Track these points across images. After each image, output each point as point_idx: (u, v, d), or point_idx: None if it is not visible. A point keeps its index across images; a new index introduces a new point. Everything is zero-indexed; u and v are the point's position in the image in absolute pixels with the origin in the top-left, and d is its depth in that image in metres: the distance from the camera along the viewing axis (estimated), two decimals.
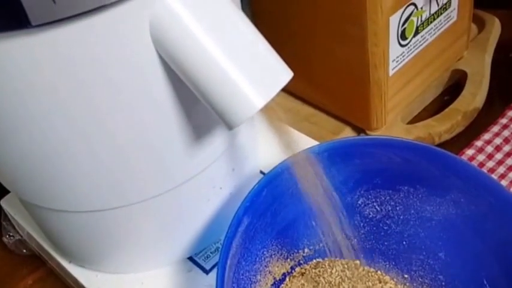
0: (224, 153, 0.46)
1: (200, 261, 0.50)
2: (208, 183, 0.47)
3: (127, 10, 0.33)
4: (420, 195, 0.47)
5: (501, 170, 0.60)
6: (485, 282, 0.44)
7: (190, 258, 0.51)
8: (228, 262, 0.39)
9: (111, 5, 0.32)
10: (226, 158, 0.47)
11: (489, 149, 0.62)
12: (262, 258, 0.46)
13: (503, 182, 0.59)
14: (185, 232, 0.49)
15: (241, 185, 0.50)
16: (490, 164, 0.61)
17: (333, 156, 0.45)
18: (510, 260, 0.42)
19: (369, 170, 0.47)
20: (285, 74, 0.36)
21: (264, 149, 0.54)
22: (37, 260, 0.60)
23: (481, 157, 0.61)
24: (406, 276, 0.49)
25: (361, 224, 0.49)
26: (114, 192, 0.43)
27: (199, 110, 0.41)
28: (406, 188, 0.47)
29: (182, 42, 0.34)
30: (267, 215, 0.44)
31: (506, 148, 0.62)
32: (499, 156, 0.61)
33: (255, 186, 0.42)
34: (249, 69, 0.35)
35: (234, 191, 0.50)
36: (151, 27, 0.34)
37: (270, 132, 0.41)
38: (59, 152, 0.39)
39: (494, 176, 0.59)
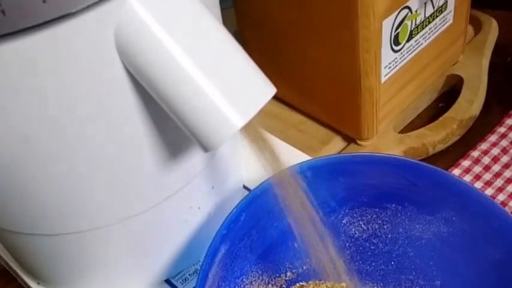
0: (203, 170, 0.43)
1: (177, 284, 0.47)
2: (185, 203, 0.43)
3: (90, 19, 0.30)
4: (409, 213, 0.45)
5: (498, 183, 0.57)
6: None
7: (167, 281, 0.48)
8: None
9: (73, 14, 0.29)
10: (205, 175, 0.44)
11: (486, 160, 0.59)
12: (242, 286, 0.43)
13: (501, 196, 0.56)
14: (161, 254, 0.46)
15: (222, 202, 0.47)
16: (487, 176, 0.57)
17: (316, 175, 0.43)
18: (502, 283, 0.40)
19: (353, 187, 0.45)
20: (267, 90, 0.33)
21: (247, 161, 0.51)
22: (8, 275, 0.56)
23: (477, 169, 0.58)
24: None
25: (347, 244, 0.47)
26: (83, 215, 0.39)
27: (174, 126, 0.37)
28: (393, 205, 0.45)
29: (150, 56, 0.31)
30: (247, 239, 0.42)
31: (504, 159, 0.59)
32: (496, 168, 0.58)
33: (232, 211, 0.40)
34: (227, 85, 0.32)
35: (214, 210, 0.46)
36: (117, 38, 0.31)
37: (253, 149, 0.38)
38: (22, 173, 0.36)
39: (491, 190, 0.56)
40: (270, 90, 0.33)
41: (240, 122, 0.32)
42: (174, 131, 0.37)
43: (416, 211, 0.44)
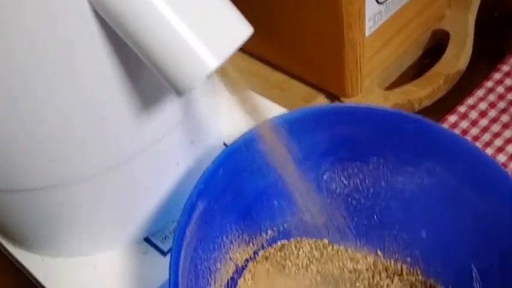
0: (180, 123, 0.41)
1: (157, 242, 0.46)
2: (163, 157, 0.42)
3: None
4: (391, 166, 0.44)
5: (486, 137, 0.56)
6: (467, 256, 0.41)
7: (147, 239, 0.47)
8: (183, 253, 0.35)
9: None
10: (183, 129, 0.42)
11: (473, 114, 0.57)
12: (222, 245, 0.42)
13: (489, 150, 0.55)
14: (139, 211, 0.45)
15: (202, 158, 0.45)
16: (474, 131, 0.56)
17: (293, 128, 0.41)
18: (489, 233, 0.40)
19: (333, 141, 0.43)
20: (243, 30, 0.32)
21: (227, 118, 0.49)
22: None
23: (464, 124, 0.57)
24: (379, 253, 0.46)
25: (328, 201, 0.46)
26: (53, 169, 0.38)
27: (146, 71, 0.35)
28: (375, 158, 0.44)
29: None
30: (225, 196, 0.41)
31: (492, 113, 0.57)
32: (483, 122, 0.57)
33: (209, 166, 0.39)
34: (200, 23, 0.30)
35: (193, 166, 0.45)
36: None
37: (233, 99, 0.36)
38: None
39: (479, 144, 0.55)
40: (247, 29, 0.32)
41: (214, 62, 0.30)
42: (147, 77, 0.36)
43: (399, 163, 0.43)
